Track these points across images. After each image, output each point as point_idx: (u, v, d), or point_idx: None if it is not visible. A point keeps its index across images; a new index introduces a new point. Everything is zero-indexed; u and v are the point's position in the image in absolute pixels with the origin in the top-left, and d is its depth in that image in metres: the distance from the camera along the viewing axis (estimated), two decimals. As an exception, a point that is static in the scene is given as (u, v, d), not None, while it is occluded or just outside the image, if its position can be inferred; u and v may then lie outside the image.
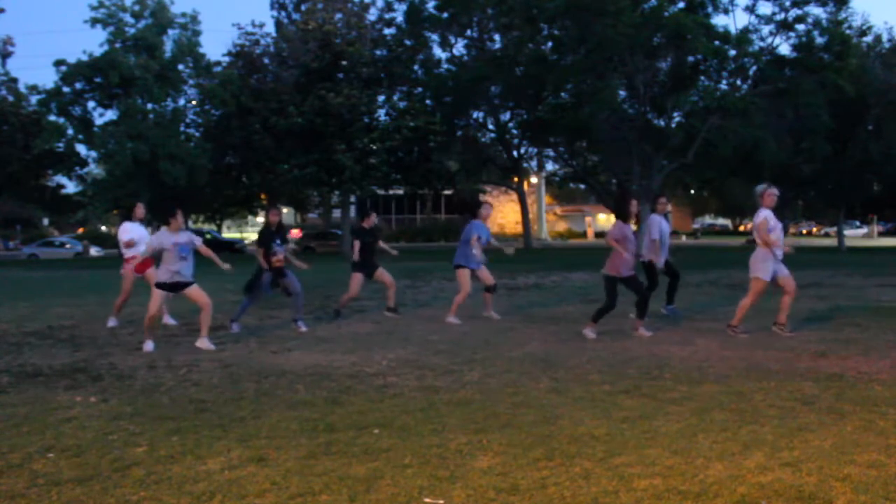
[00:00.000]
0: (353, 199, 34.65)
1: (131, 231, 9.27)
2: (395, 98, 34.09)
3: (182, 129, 34.09)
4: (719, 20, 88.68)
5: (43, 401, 5.29)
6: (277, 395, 5.41)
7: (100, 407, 5.11)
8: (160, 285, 7.49)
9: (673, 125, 30.98)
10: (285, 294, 9.01)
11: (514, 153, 38.44)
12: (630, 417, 4.62)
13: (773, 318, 7.95)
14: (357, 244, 9.57)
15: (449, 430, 4.39)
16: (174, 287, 7.52)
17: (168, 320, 9.29)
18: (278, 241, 8.69)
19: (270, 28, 42.89)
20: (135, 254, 8.99)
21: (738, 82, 30.77)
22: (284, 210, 53.74)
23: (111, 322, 9.25)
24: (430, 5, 33.70)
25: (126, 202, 31.44)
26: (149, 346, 7.37)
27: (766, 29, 30.22)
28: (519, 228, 47.58)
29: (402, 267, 20.95)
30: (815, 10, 29.28)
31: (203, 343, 7.49)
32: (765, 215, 7.61)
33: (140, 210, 9.49)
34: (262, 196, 39.62)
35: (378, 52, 32.75)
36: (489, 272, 9.45)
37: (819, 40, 28.94)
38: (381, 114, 33.41)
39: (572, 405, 4.95)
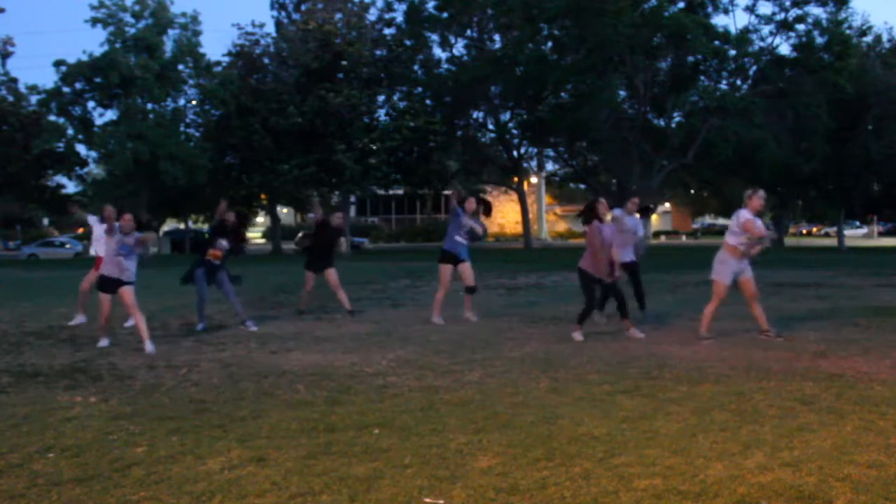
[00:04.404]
0: (353, 199, 34.63)
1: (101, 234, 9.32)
2: (395, 98, 34.07)
3: (182, 129, 34.06)
4: (719, 20, 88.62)
5: (43, 401, 5.29)
6: (277, 395, 5.41)
7: (100, 407, 5.11)
8: (98, 286, 7.81)
9: (673, 125, 30.99)
10: (217, 287, 9.12)
11: (514, 153, 38.42)
12: (630, 417, 4.62)
13: (764, 314, 7.88)
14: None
15: (449, 430, 4.39)
16: (108, 284, 7.72)
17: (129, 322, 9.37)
18: (221, 239, 8.93)
19: (270, 28, 42.88)
20: (98, 255, 9.27)
21: (738, 82, 30.77)
22: (284, 210, 53.68)
23: (78, 320, 9.46)
24: (430, 5, 33.66)
25: (126, 202, 31.48)
26: (104, 342, 7.64)
27: (766, 29, 30.25)
28: (519, 228, 47.57)
29: (403, 267, 20.96)
30: (815, 10, 29.31)
31: (146, 346, 7.38)
32: (750, 216, 7.43)
33: (109, 211, 9.46)
34: (263, 196, 39.59)
35: (378, 52, 32.73)
36: (472, 272, 9.37)
37: (819, 40, 28.93)
38: (381, 114, 33.42)
39: (572, 405, 4.95)
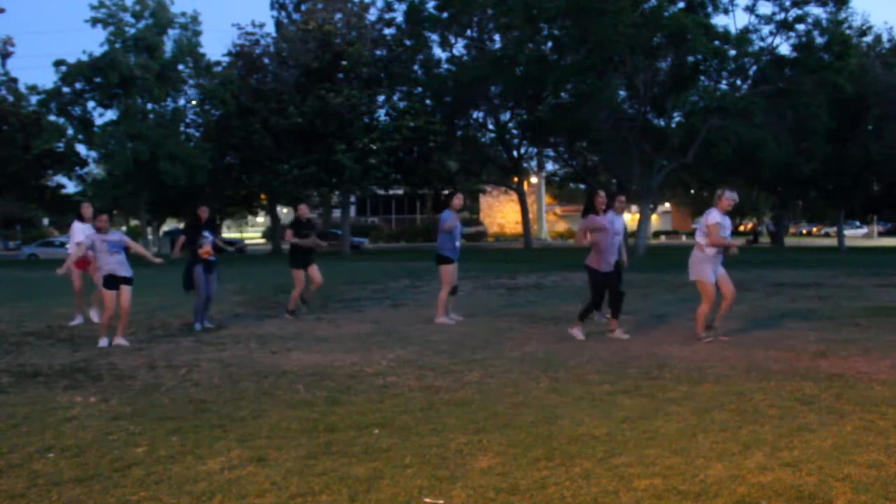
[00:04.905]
0: (353, 199, 34.63)
1: (79, 232, 9.31)
2: (395, 98, 34.06)
3: (182, 129, 34.07)
4: (719, 20, 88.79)
5: (43, 401, 5.29)
6: (277, 395, 5.41)
7: (100, 407, 5.11)
8: (105, 284, 7.89)
9: (673, 125, 30.96)
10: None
11: (514, 153, 38.43)
12: (630, 417, 4.62)
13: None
14: (290, 234, 9.93)
15: (449, 430, 4.39)
16: (112, 282, 7.83)
17: (93, 317, 9.43)
18: (206, 233, 8.96)
19: (270, 28, 42.91)
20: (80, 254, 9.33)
21: (738, 82, 30.74)
22: (284, 210, 53.72)
23: (78, 320, 9.50)
24: (430, 5, 33.64)
25: (126, 202, 31.49)
26: (103, 342, 7.72)
27: (766, 29, 30.19)
28: (519, 228, 47.56)
29: (403, 267, 20.96)
30: (815, 10, 29.26)
31: (118, 341, 7.76)
32: (718, 219, 7.45)
33: (87, 210, 9.49)
34: (263, 196, 39.58)
35: (378, 52, 32.73)
36: (456, 273, 9.54)
37: (819, 40, 28.90)
38: (381, 114, 33.41)
39: (572, 405, 4.95)
